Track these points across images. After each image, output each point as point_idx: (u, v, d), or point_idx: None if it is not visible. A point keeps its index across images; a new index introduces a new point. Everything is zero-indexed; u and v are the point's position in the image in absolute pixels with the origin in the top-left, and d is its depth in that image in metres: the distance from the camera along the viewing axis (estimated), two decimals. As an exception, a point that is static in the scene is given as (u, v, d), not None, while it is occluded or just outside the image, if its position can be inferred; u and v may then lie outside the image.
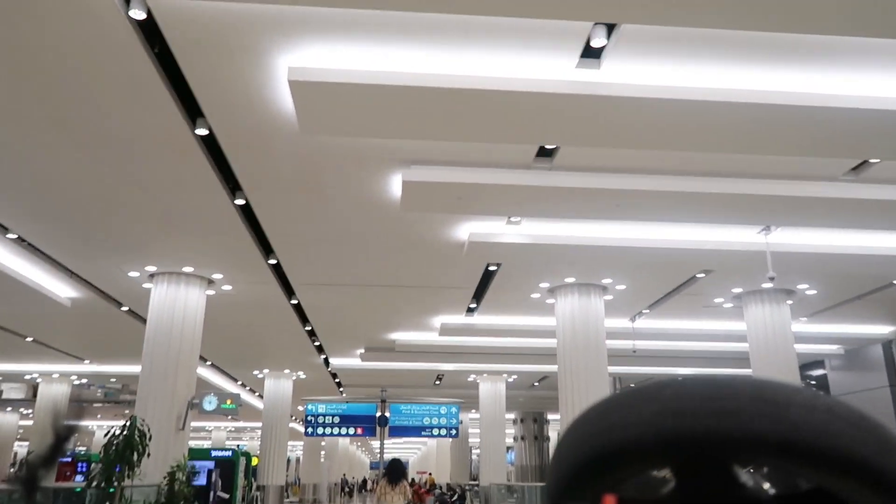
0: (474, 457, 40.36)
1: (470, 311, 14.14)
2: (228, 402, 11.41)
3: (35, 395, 23.24)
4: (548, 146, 7.33)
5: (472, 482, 29.34)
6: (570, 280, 11.77)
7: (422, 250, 10.55)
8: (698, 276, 11.48)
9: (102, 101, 6.53)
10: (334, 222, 9.46)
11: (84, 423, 33.53)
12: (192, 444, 35.51)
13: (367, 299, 13.26)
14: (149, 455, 8.56)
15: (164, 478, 9.56)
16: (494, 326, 14.87)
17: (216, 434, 42.84)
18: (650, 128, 6.32)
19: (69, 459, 19.82)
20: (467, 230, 9.71)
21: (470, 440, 34.97)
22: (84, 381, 22.32)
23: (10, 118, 6.88)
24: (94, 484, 7.50)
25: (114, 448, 7.74)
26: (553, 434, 35.06)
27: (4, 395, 29.59)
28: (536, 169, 7.79)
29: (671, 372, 20.18)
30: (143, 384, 11.10)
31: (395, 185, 8.18)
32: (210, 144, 7.40)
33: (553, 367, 19.45)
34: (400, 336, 16.32)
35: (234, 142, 7.26)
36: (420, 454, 58.73)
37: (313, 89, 5.80)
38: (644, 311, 14.02)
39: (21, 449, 32.96)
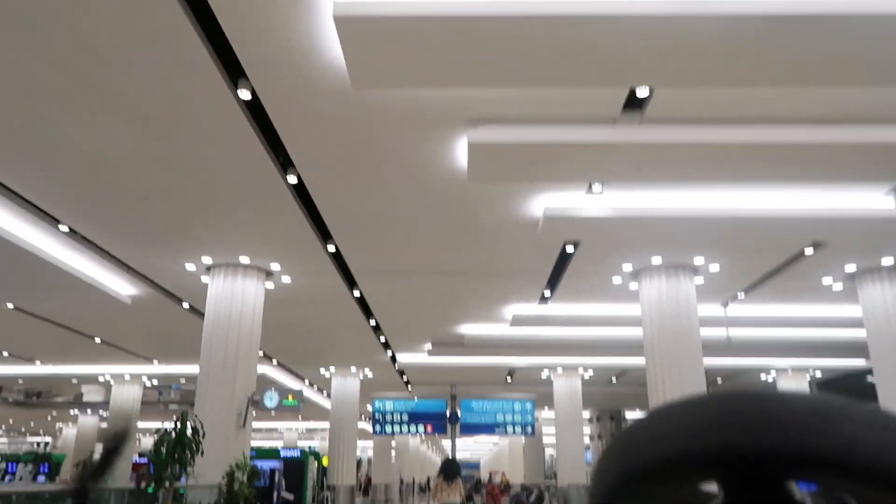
0: (548, 456, 39.14)
1: (543, 299, 13.09)
2: (290, 398, 10.77)
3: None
4: (639, 93, 6.25)
5: (548, 482, 28.18)
6: (657, 261, 10.57)
7: (491, 231, 9.60)
8: (806, 251, 10.07)
9: (141, 67, 5.90)
10: (393, 200, 8.62)
11: (139, 428, 33.87)
12: (264, 444, 35.60)
13: (433, 288, 12.41)
14: (202, 454, 7.96)
15: (223, 478, 8.96)
16: (570, 316, 13.75)
17: (288, 435, 43.09)
18: (771, 53, 5.17)
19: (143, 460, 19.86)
20: (542, 204, 8.70)
21: (544, 439, 33.72)
22: (155, 382, 22.39)
23: (54, 99, 6.36)
24: (143, 486, 6.92)
25: (165, 447, 7.15)
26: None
27: (84, 398, 30.37)
28: (623, 124, 6.71)
29: (767, 364, 18.50)
30: (201, 381, 10.59)
31: (459, 151, 7.27)
32: (255, 111, 6.68)
33: (634, 361, 18.22)
34: (468, 329, 15.41)
35: (279, 105, 6.50)
36: (491, 453, 57.69)
37: (363, 27, 4.95)
38: (739, 296, 12.63)
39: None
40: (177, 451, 7.15)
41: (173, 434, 7.30)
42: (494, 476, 39.81)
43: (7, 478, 21.10)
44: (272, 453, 19.82)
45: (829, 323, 14.00)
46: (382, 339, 16.56)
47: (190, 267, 11.03)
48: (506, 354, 17.68)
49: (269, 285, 11.64)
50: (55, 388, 30.39)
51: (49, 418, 36.28)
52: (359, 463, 54.20)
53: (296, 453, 19.76)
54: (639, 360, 18.16)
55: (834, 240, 9.49)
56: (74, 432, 30.31)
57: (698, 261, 10.56)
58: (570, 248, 10.08)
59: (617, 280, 11.49)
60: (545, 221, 8.81)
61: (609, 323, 14.21)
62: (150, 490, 7.13)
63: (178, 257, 10.71)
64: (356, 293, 12.61)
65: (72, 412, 32.68)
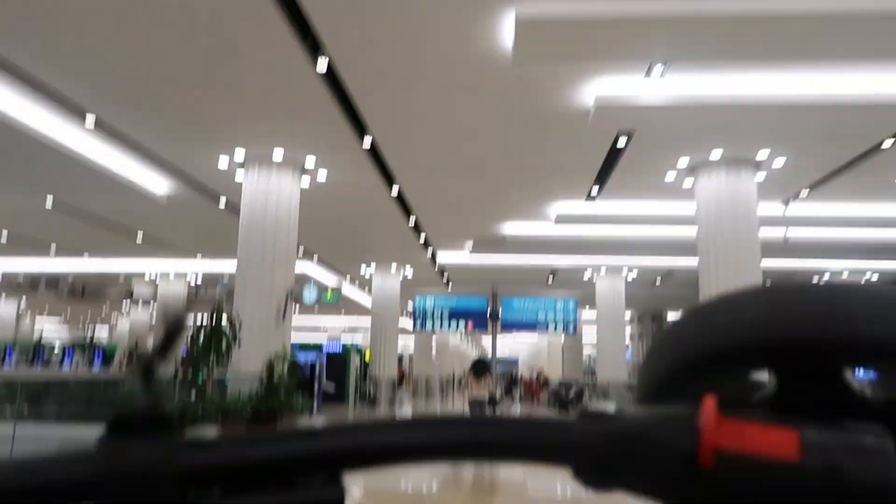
0: (585, 356, 39.53)
1: (591, 197, 12.48)
2: (329, 292, 10.69)
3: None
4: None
5: (587, 379, 28.54)
6: (717, 155, 9.79)
7: (538, 123, 8.94)
8: (886, 142, 9.17)
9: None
10: (432, 88, 8.00)
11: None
12: (309, 340, 36.70)
13: (475, 185, 11.90)
14: (240, 345, 7.92)
15: (263, 369, 8.98)
16: (618, 215, 13.15)
17: (332, 331, 44.36)
18: None
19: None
20: (594, 92, 7.97)
21: (583, 338, 33.89)
22: (199, 279, 22.81)
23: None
24: (180, 375, 6.91)
25: (201, 338, 7.07)
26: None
27: (135, 294, 31.43)
28: (693, -8, 5.88)
29: (822, 266, 17.72)
30: (239, 276, 10.49)
31: (505, 30, 6.55)
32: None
33: (681, 262, 17.67)
34: (511, 227, 14.96)
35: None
36: (530, 351, 58.75)
37: None
38: (801, 194, 11.80)
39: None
40: (213, 341, 7.07)
41: (210, 326, 7.20)
42: (532, 372, 40.64)
43: (65, 362, 22.21)
44: (315, 348, 20.29)
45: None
46: (423, 237, 16.28)
47: (223, 161, 10.68)
48: (548, 253, 17.28)
49: (306, 183, 11.28)
50: (108, 282, 31.53)
51: (103, 313, 37.92)
52: (400, 358, 56.03)
53: (338, 348, 20.18)
54: (686, 262, 17.63)
55: (919, 130, 8.57)
56: (128, 325, 31.65)
57: (762, 155, 9.76)
58: (622, 141, 9.37)
59: (671, 176, 10.77)
60: (597, 110, 8.11)
61: (659, 222, 13.58)
62: (199, 380, 7.15)
63: (210, 150, 10.36)
64: (395, 191, 12.19)
65: (124, 307, 34.07)
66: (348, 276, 24.07)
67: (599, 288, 20.37)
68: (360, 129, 9.46)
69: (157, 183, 12.17)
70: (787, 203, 12.24)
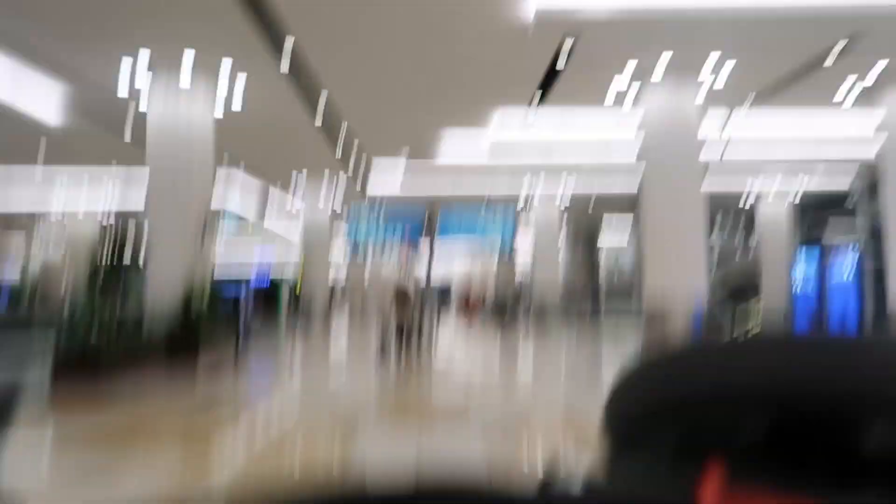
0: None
1: (531, 105, 11.82)
2: (251, 227, 9.79)
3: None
4: None
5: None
6: (661, 69, 9.31)
7: (472, 36, 8.16)
8: (835, 49, 8.88)
9: None
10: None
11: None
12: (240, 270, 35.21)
13: (410, 93, 11.03)
14: (146, 281, 7.13)
15: (179, 303, 8.20)
16: (555, 141, 12.65)
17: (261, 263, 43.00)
18: None
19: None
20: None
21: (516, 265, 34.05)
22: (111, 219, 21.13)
23: None
24: (72, 314, 6.07)
25: (100, 276, 6.21)
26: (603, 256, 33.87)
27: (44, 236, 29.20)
28: None
29: (748, 188, 17.83)
30: (150, 196, 9.48)
31: None
32: None
33: (614, 188, 17.50)
34: (447, 149, 14.23)
35: None
36: (462, 279, 59.11)
37: None
38: (741, 109, 11.56)
39: None
40: (113, 278, 6.23)
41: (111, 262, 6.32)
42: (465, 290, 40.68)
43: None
44: (242, 283, 19.34)
45: (831, 141, 13.18)
46: (353, 160, 15.37)
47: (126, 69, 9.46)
48: (484, 176, 16.75)
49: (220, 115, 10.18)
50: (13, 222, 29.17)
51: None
52: (332, 290, 55.19)
53: (265, 282, 19.32)
54: (620, 187, 17.52)
55: (872, 30, 8.28)
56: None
57: (707, 65, 9.34)
58: (561, 61, 8.73)
59: (611, 96, 10.28)
60: (538, 20, 7.42)
61: (595, 144, 13.20)
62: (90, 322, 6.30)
63: (111, 61, 9.12)
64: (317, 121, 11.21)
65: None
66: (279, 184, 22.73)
67: (534, 216, 20.13)
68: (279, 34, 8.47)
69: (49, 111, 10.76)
70: (726, 121, 12.01)
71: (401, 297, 11.21)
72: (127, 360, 6.27)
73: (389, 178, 17.18)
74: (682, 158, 9.63)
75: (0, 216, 23.41)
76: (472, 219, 15.20)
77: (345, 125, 13.36)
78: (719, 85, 9.91)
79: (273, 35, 8.45)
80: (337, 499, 0.31)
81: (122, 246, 6.46)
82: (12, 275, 41.88)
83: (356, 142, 14.69)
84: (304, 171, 16.92)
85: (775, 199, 19.35)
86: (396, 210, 19.62)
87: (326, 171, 16.54)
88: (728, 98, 10.85)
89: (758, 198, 19.46)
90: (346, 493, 0.31)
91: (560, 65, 9.32)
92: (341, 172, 16.43)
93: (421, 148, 14.73)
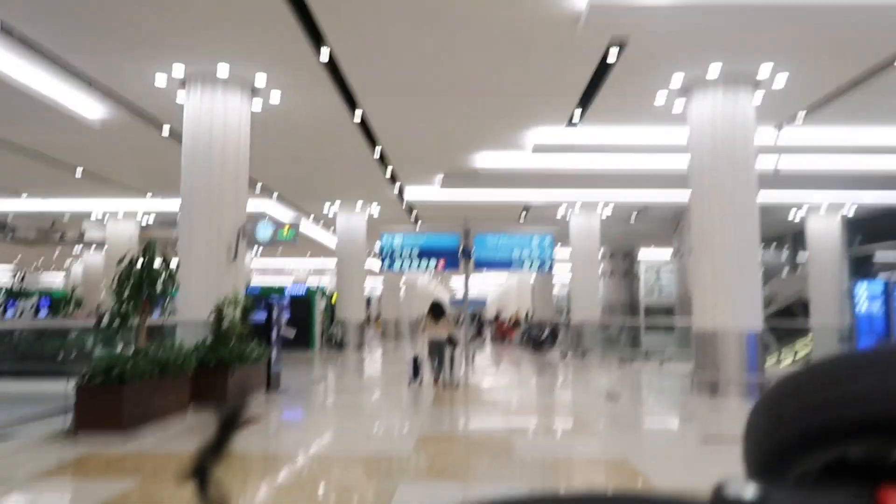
0: (554, 294, 39.29)
1: (571, 122, 11.49)
2: (286, 229, 9.60)
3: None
4: None
5: (557, 319, 28.21)
6: (714, 71, 8.85)
7: (520, 33, 7.85)
8: (899, 56, 8.32)
9: None
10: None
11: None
12: (272, 282, 35.49)
13: (446, 109, 10.80)
14: (176, 287, 6.91)
15: (211, 313, 7.99)
16: (599, 144, 12.21)
17: (297, 274, 43.26)
18: None
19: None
20: (586, -8, 6.90)
21: (553, 278, 33.47)
22: (150, 219, 21.40)
23: None
24: (106, 324, 5.89)
25: (129, 281, 6.04)
26: (643, 270, 33.11)
27: (87, 237, 29.74)
28: None
29: (801, 199, 17.05)
30: (184, 212, 9.36)
31: None
32: None
33: (659, 195, 16.94)
34: (484, 159, 13.94)
35: None
36: (499, 290, 58.60)
37: None
38: (797, 118, 10.97)
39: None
40: (143, 285, 6.04)
41: (138, 265, 6.14)
42: (502, 312, 40.33)
43: (8, 313, 20.76)
44: (277, 292, 19.28)
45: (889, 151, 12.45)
46: (389, 170, 15.19)
47: (160, 79, 9.38)
48: (523, 187, 16.36)
49: (257, 106, 10.07)
50: (59, 226, 29.78)
51: (55, 258, 36.17)
52: (368, 301, 55.26)
53: (302, 292, 19.21)
54: (665, 195, 16.94)
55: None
56: (81, 269, 30.09)
57: (764, 70, 8.84)
58: (612, 55, 8.34)
59: (661, 98, 9.82)
60: (590, 13, 7.05)
61: (642, 150, 12.71)
62: (128, 328, 6.11)
63: (144, 66, 9.05)
64: (357, 116, 11.02)
65: (75, 251, 32.41)
66: (312, 216, 22.92)
67: (574, 225, 19.61)
68: (318, 40, 8.26)
69: (89, 107, 10.81)
70: (780, 128, 11.43)
71: (438, 314, 10.79)
72: (155, 374, 6.04)
73: (427, 185, 16.94)
74: (735, 169, 9.11)
75: (44, 217, 23.93)
76: (509, 238, 14.82)
77: (378, 149, 13.22)
78: (774, 93, 9.38)
79: (311, 46, 8.24)
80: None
81: (152, 252, 6.25)
82: (55, 280, 42.71)
83: (390, 168, 14.53)
84: (341, 185, 16.82)
85: (828, 213, 18.51)
86: (432, 226, 19.43)
87: (365, 185, 16.37)
88: (782, 106, 10.30)
89: (808, 211, 18.63)
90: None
91: (604, 76, 8.93)
92: (378, 179, 16.23)
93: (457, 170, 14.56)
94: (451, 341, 10.69)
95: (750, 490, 0.26)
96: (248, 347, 8.20)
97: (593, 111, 10.71)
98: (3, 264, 40.83)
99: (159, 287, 6.30)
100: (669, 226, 20.73)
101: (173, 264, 6.61)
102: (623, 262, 29.40)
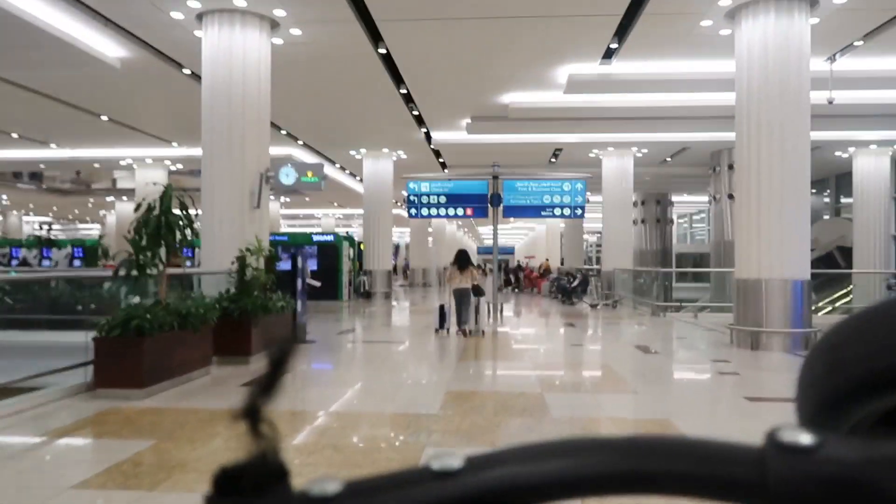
0: (584, 243, 38.67)
1: (607, 56, 10.80)
2: (309, 174, 9.23)
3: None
4: None
5: (591, 268, 27.76)
6: (766, -6, 8.11)
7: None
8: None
9: None
10: None
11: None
12: (302, 230, 35.55)
13: (474, 40, 10.16)
14: (196, 235, 6.63)
15: (232, 263, 7.72)
16: (639, 77, 11.49)
17: (325, 221, 43.18)
18: None
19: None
20: None
21: (583, 226, 32.81)
22: (179, 166, 21.24)
23: None
24: (123, 273, 5.63)
25: (146, 228, 5.74)
26: (676, 217, 32.20)
27: (119, 185, 29.80)
28: None
29: (849, 137, 16.10)
30: (206, 156, 9.05)
31: None
32: None
33: (696, 136, 16.16)
34: (514, 98, 13.32)
35: None
36: (527, 238, 58.08)
37: None
38: (856, 44, 10.16)
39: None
40: (161, 231, 5.75)
41: (157, 211, 5.84)
42: (531, 261, 39.91)
43: (45, 263, 20.97)
44: (305, 238, 19.08)
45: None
46: (415, 112, 14.65)
47: (176, 15, 8.95)
48: (553, 131, 15.70)
49: (278, 41, 9.60)
50: (92, 175, 29.88)
51: (89, 205, 36.52)
52: (396, 248, 55.26)
53: (329, 238, 18.98)
54: (703, 136, 16.17)
55: None
56: (115, 219, 30.31)
57: (820, -7, 8.07)
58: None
59: (707, 23, 9.11)
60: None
61: (682, 87, 11.97)
62: (148, 277, 5.86)
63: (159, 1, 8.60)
64: (381, 49, 10.47)
65: (108, 199, 32.65)
66: (338, 164, 22.55)
67: (606, 167, 18.92)
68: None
69: (107, 46, 10.43)
70: (833, 59, 10.60)
71: (464, 264, 10.64)
72: (175, 326, 5.80)
73: (454, 130, 16.39)
74: (787, 103, 8.43)
75: (74, 166, 23.95)
76: (539, 185, 14.27)
77: (404, 88, 12.65)
78: (831, 16, 8.60)
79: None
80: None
81: (168, 198, 5.94)
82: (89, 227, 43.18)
83: (416, 110, 13.94)
84: (367, 129, 16.34)
85: (877, 152, 17.52)
86: (460, 172, 18.94)
87: (392, 127, 15.85)
88: (838, 33, 9.49)
89: (856, 150, 17.65)
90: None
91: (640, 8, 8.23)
92: (405, 121, 15.71)
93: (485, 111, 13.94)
94: (477, 291, 10.65)
95: (807, 436, 0.25)
96: (273, 298, 7.95)
97: (632, 42, 10.03)
98: (41, 217, 41.45)
99: (178, 235, 5.99)
100: (706, 169, 19.91)
101: (193, 211, 6.28)
102: (656, 209, 28.56)
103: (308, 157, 20.02)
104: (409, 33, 9.76)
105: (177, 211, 6.06)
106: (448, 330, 10.64)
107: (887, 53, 10.55)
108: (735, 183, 9.15)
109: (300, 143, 18.24)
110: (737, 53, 8.87)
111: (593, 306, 17.28)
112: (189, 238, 6.16)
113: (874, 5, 8.63)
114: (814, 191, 23.03)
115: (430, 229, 35.56)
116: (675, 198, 29.60)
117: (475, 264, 10.99)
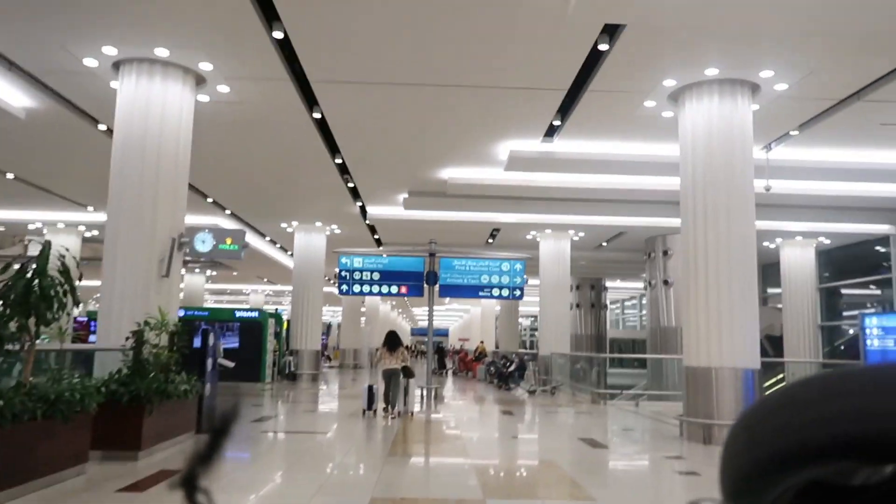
0: (520, 326, 38.30)
1: (550, 133, 10.58)
2: (228, 241, 8.35)
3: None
4: None
5: (527, 351, 27.20)
6: (712, 72, 8.04)
7: (500, 16, 6.90)
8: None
9: None
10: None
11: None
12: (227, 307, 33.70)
13: (414, 110, 9.76)
14: (78, 304, 5.61)
15: (127, 338, 6.67)
16: (580, 157, 11.28)
17: (254, 297, 41.43)
18: None
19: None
20: (580, -33, 5.98)
21: (519, 308, 32.42)
22: (95, 232, 19.77)
23: None
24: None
25: (12, 297, 4.73)
26: (611, 302, 32.29)
27: (32, 251, 27.73)
28: None
29: (775, 228, 16.38)
30: (112, 217, 8.08)
31: None
32: None
33: (634, 220, 16.14)
34: (453, 173, 12.93)
35: None
36: (462, 321, 57.43)
37: None
38: (791, 134, 10.28)
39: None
40: (31, 298, 4.74)
41: (28, 274, 4.84)
42: (466, 344, 39.11)
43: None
44: (227, 314, 17.83)
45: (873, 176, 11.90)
46: (351, 184, 14.06)
47: (90, 62, 8.16)
48: (492, 209, 15.37)
49: (204, 98, 8.93)
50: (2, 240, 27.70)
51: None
52: (328, 327, 53.42)
53: (253, 314, 17.78)
54: (641, 220, 16.16)
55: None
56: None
57: (765, 74, 8.05)
58: (603, 45, 7.43)
59: (650, 103, 8.99)
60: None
61: (622, 169, 11.86)
62: (12, 356, 4.77)
63: (71, 46, 7.81)
64: (316, 114, 9.91)
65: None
66: (268, 238, 21.60)
67: (544, 250, 18.68)
68: (270, 16, 7.18)
69: (12, 94, 9.48)
70: (769, 148, 10.70)
71: (393, 345, 10.68)
72: (40, 416, 4.71)
73: (390, 205, 15.86)
74: (735, 187, 8.26)
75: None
76: (477, 263, 13.81)
77: (339, 159, 12.14)
78: (762, 111, 8.62)
79: (258, 19, 7.14)
80: None
81: (44, 258, 4.95)
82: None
83: (350, 183, 13.41)
84: (299, 201, 15.63)
85: (802, 243, 17.94)
86: (396, 249, 18.38)
87: (326, 198, 15.18)
88: (766, 125, 9.56)
89: (783, 241, 18.03)
90: None
91: (588, 78, 8.01)
92: (339, 192, 15.09)
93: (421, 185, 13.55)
94: (406, 372, 10.71)
95: None
96: (177, 380, 6.89)
97: (575, 119, 9.83)
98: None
99: (55, 303, 4.99)
100: (640, 255, 19.97)
101: (77, 275, 5.31)
102: (590, 294, 28.54)
103: (233, 226, 19.04)
104: (345, 97, 9.25)
105: (55, 274, 5.07)
106: (375, 411, 10.55)
107: (819, 145, 10.73)
108: (682, 267, 8.82)
109: (227, 212, 17.30)
110: (681, 136, 8.73)
111: (531, 392, 16.54)
112: (69, 308, 5.15)
113: (812, 94, 8.69)
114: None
115: (363, 309, 34.47)
116: (608, 283, 29.76)
117: (405, 345, 11.19)
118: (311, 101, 9.48)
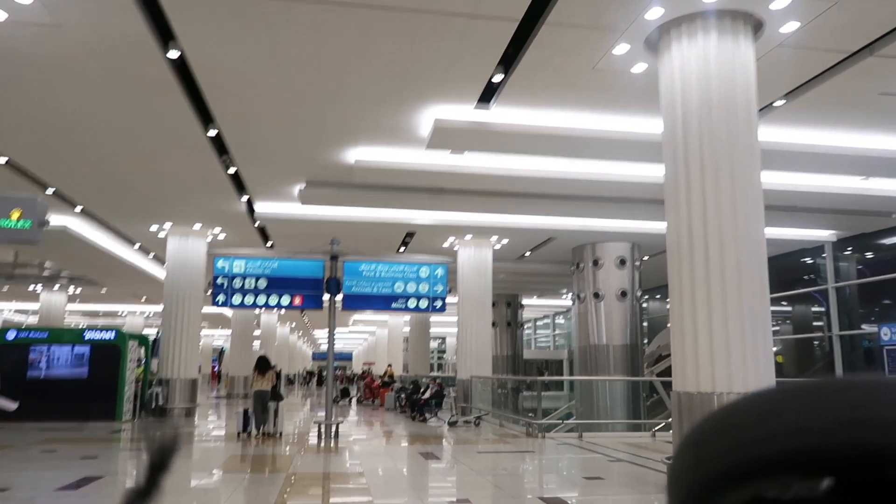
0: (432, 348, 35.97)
1: (488, 96, 8.28)
2: (14, 215, 5.44)
3: None
4: None
5: (444, 375, 24.77)
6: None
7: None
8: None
9: None
10: None
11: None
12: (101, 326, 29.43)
13: (308, 44, 7.17)
14: None
15: None
16: (519, 129, 9.02)
17: (131, 320, 36.78)
18: None
19: None
20: None
21: (431, 329, 29.98)
22: None
23: None
24: None
25: None
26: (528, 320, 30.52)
27: None
28: None
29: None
30: None
31: None
32: None
33: (567, 221, 14.19)
34: (362, 155, 10.39)
35: None
36: (367, 344, 54.23)
37: None
38: (775, 106, 8.50)
39: None
40: None
41: None
42: (372, 367, 36.17)
43: None
44: (71, 336, 14.32)
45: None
46: (232, 169, 11.22)
47: None
48: (407, 205, 12.97)
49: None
50: None
51: None
52: (221, 353, 48.95)
53: (109, 336, 14.37)
54: (575, 222, 14.26)
55: None
56: None
57: (777, 4, 6.11)
58: None
59: (621, 49, 6.88)
60: None
61: (573, 149, 9.77)
62: None
63: None
64: (173, 52, 7.14)
65: None
66: (137, 245, 18.15)
67: (463, 259, 16.42)
68: None
69: None
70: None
71: (263, 368, 11.17)
72: None
73: (285, 201, 13.12)
74: (733, 142, 6.24)
75: None
76: (390, 268, 11.37)
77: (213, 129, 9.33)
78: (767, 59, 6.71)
79: None
80: None
81: None
82: None
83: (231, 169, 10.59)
84: (168, 189, 12.54)
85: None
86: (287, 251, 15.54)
87: (196, 175, 12.17)
88: (762, 88, 7.72)
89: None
90: None
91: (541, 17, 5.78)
92: (219, 181, 12.21)
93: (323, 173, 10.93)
94: (275, 395, 11.64)
95: None
96: None
97: (521, 75, 7.59)
98: None
99: None
100: (564, 267, 18.13)
101: None
102: (507, 311, 26.55)
103: (91, 230, 15.60)
104: (212, 24, 6.56)
105: None
106: (250, 434, 11.27)
107: (794, 124, 9.03)
108: (669, 266, 6.63)
109: (78, 209, 13.95)
110: (663, 94, 6.62)
111: (452, 424, 14.07)
112: None
113: (821, 43, 6.87)
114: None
115: (257, 332, 30.98)
116: (524, 300, 27.96)
117: (274, 369, 11.96)
118: (164, 32, 6.73)
